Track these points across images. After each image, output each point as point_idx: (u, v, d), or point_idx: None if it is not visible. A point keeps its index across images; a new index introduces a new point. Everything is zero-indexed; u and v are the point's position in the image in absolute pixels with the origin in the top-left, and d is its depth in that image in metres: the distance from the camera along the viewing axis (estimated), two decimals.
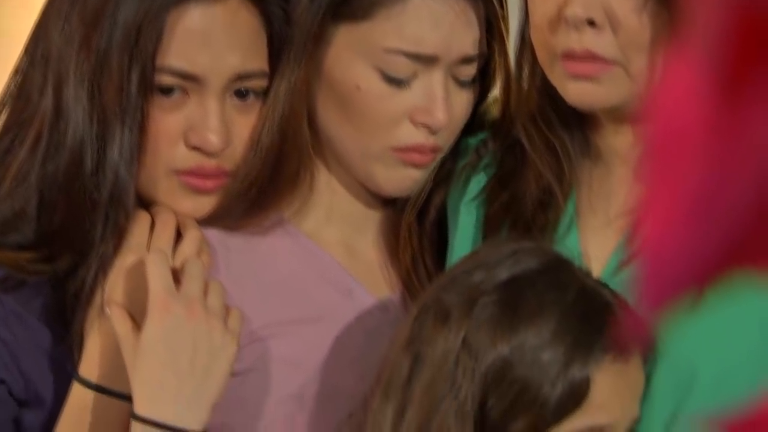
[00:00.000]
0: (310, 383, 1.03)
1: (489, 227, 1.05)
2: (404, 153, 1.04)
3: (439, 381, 0.89)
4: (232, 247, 1.06)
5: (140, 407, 0.95)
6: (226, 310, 0.99)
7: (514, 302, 0.90)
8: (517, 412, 0.88)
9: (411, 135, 1.04)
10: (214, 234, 1.06)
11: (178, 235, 1.03)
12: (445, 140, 1.06)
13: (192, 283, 0.97)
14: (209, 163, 1.04)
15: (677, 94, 0.26)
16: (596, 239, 1.02)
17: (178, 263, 1.00)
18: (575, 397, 0.87)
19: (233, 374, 0.99)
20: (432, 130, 1.03)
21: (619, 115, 0.99)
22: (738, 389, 0.87)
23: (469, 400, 0.88)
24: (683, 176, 0.26)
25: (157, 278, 0.96)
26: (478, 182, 1.08)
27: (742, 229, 0.26)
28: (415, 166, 1.05)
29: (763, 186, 0.26)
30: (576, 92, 0.97)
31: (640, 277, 0.27)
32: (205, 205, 1.06)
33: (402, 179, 1.06)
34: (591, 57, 0.95)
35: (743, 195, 0.26)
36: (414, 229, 1.10)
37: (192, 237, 1.03)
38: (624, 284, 0.92)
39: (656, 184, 0.27)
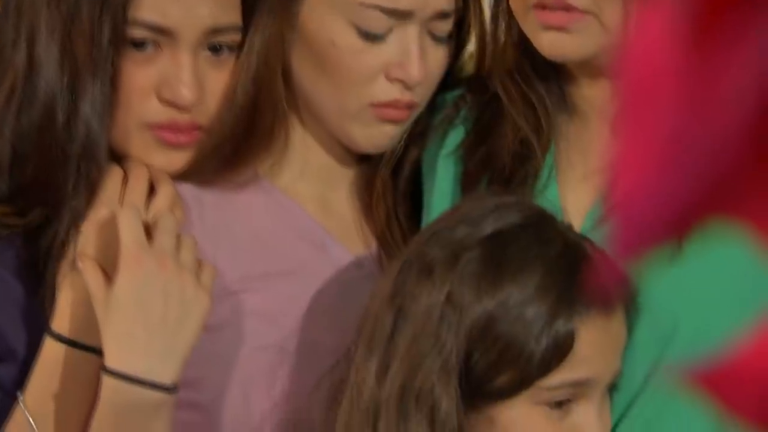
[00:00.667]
0: (288, 337, 1.03)
1: (467, 182, 1.05)
2: (380, 109, 1.03)
3: (423, 336, 0.89)
4: (206, 202, 1.06)
5: (111, 360, 0.94)
6: (199, 264, 0.98)
7: (498, 257, 0.91)
8: (501, 367, 0.89)
9: (386, 91, 1.03)
10: (187, 189, 1.05)
11: (152, 190, 1.03)
12: (421, 96, 1.05)
13: (164, 236, 0.97)
14: (182, 118, 1.04)
15: (649, 42, 0.26)
16: (575, 193, 1.02)
17: (151, 218, 1.00)
18: (559, 351, 0.88)
19: (208, 329, 0.98)
20: (407, 86, 1.03)
21: (593, 67, 0.99)
22: (717, 339, 0.88)
23: (453, 355, 0.88)
24: (657, 124, 0.26)
25: (129, 232, 0.96)
26: (455, 137, 1.08)
27: (718, 176, 0.26)
28: (391, 122, 1.04)
29: (737, 131, 0.26)
30: (549, 43, 0.97)
31: (617, 227, 0.27)
32: (178, 159, 1.05)
33: (378, 136, 1.05)
34: (564, 6, 0.95)
35: (718, 141, 0.26)
36: (388, 185, 1.10)
37: (165, 192, 1.02)
38: (604, 237, 0.93)
39: (630, 133, 0.27)
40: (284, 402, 1.03)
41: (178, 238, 0.98)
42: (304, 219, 1.09)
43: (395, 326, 0.91)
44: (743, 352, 0.27)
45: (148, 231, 0.97)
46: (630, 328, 0.94)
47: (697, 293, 0.95)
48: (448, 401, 0.88)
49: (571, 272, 0.90)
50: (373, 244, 1.10)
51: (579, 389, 0.90)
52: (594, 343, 0.90)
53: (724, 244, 0.34)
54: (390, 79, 1.03)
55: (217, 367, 1.03)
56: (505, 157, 1.03)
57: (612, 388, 0.94)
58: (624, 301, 0.92)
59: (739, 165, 0.26)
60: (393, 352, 0.90)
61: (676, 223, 0.27)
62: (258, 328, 1.03)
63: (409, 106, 1.05)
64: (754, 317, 0.29)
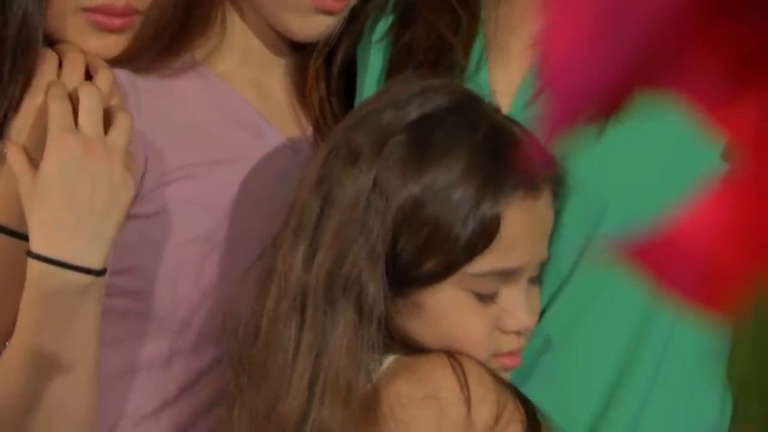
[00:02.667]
0: (219, 225, 1.03)
1: (393, 69, 1.04)
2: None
3: (349, 222, 0.89)
4: (143, 88, 1.05)
5: (37, 245, 0.93)
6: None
7: (424, 141, 0.90)
8: (428, 251, 0.89)
9: None
10: (123, 75, 1.04)
11: (89, 78, 1.02)
12: None
13: (88, 119, 0.95)
14: (118, 2, 1.03)
15: None
16: (505, 75, 1.02)
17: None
18: (486, 235, 0.88)
19: (143, 217, 1.00)
20: None
21: None
22: (649, 216, 0.89)
23: (380, 241, 0.88)
24: None
25: (55, 115, 0.95)
26: (384, 24, 1.07)
27: (650, 46, 0.25)
28: (329, 12, 1.04)
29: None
30: None
31: (545, 102, 0.26)
32: (114, 44, 1.05)
33: (315, 26, 1.05)
34: None
35: (649, 8, 0.25)
36: (321, 73, 1.10)
37: (103, 77, 1.01)
38: (532, 118, 0.93)
39: (558, 4, 0.26)
40: (213, 291, 1.03)
41: (112, 120, 0.97)
42: (241, 104, 1.09)
43: (322, 213, 0.90)
44: (678, 226, 0.26)
45: None
46: (558, 210, 0.95)
47: (625, 170, 0.96)
48: (375, 287, 0.88)
49: (498, 155, 0.89)
50: (309, 130, 1.10)
51: (505, 278, 0.91)
52: (521, 227, 0.90)
53: (653, 118, 0.33)
54: None
55: (149, 256, 1.03)
56: (430, 43, 1.02)
57: (540, 274, 0.95)
58: (551, 183, 0.92)
59: (673, 35, 0.25)
60: (320, 239, 0.90)
61: (605, 96, 0.26)
62: (191, 217, 1.04)
63: None
64: (687, 191, 0.28)
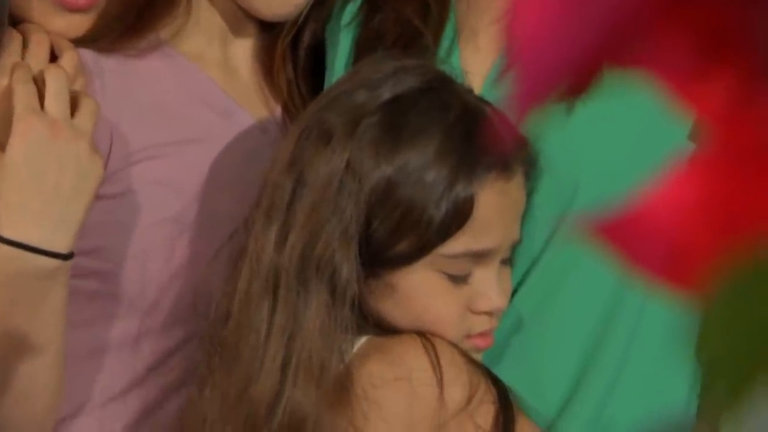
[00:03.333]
0: (188, 207, 1.03)
1: (362, 53, 1.04)
2: None
3: (322, 203, 0.88)
4: (108, 68, 1.04)
5: (3, 229, 0.92)
6: None
7: (397, 122, 0.90)
8: (401, 232, 0.89)
9: None
10: (89, 55, 1.03)
11: (54, 58, 1.01)
12: None
13: (55, 101, 0.94)
14: None
15: None
16: (477, 56, 1.02)
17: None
18: (459, 216, 0.88)
19: (110, 197, 0.99)
20: None
21: None
22: (617, 193, 0.89)
23: (353, 222, 0.88)
24: None
25: (20, 96, 0.94)
26: (354, 5, 1.07)
27: (620, 23, 0.25)
28: None
29: None
30: None
31: (515, 80, 0.26)
32: (79, 24, 1.03)
33: (282, 5, 1.04)
34: None
35: None
36: (288, 54, 1.09)
37: (68, 58, 1.00)
38: (503, 98, 0.93)
39: None
40: (183, 272, 1.03)
41: (78, 103, 0.96)
42: (208, 84, 1.08)
43: (294, 194, 0.90)
44: (647, 204, 0.26)
45: None
46: (530, 191, 0.95)
47: (596, 147, 0.97)
48: (348, 268, 0.88)
49: (471, 136, 0.89)
50: (278, 110, 1.10)
51: (478, 260, 0.91)
52: (494, 208, 0.91)
53: (622, 96, 0.33)
54: None
55: (117, 237, 1.02)
56: (399, 30, 1.02)
57: (512, 256, 0.95)
58: (523, 164, 0.92)
59: (641, 12, 0.25)
60: (292, 221, 0.89)
61: (573, 74, 0.26)
62: (159, 198, 1.03)
63: None
64: (657, 169, 0.28)
